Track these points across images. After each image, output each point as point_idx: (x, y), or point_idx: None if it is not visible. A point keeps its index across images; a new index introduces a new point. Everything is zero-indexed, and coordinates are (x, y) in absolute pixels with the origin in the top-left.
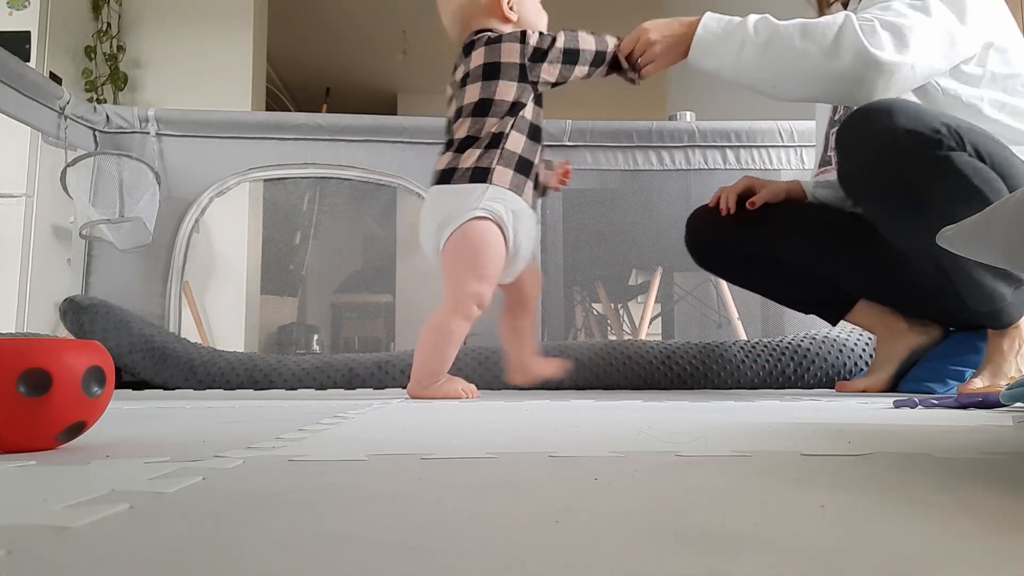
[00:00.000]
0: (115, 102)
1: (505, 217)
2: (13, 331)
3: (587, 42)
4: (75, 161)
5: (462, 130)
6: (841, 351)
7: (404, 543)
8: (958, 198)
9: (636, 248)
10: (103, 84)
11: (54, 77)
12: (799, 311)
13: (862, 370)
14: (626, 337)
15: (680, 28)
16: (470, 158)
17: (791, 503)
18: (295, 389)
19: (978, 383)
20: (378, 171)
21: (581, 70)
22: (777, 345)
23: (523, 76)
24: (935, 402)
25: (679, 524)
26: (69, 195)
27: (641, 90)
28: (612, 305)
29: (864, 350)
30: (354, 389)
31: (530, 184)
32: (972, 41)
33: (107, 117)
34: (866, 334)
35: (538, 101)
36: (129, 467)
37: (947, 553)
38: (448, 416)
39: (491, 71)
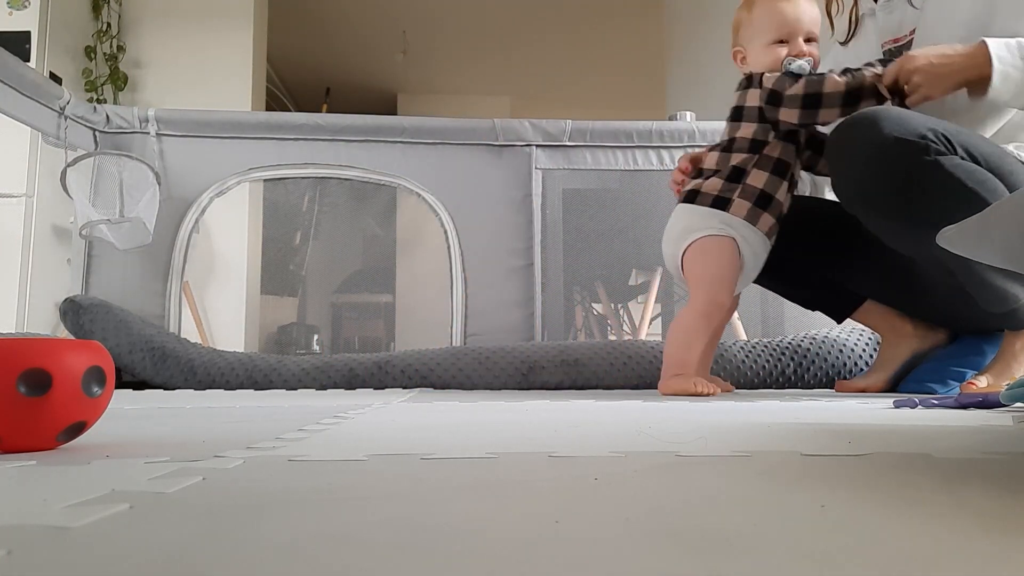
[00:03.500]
0: (115, 102)
1: (738, 237)
2: (13, 331)
3: (834, 85)
4: (75, 161)
5: (710, 161)
6: (841, 351)
7: (404, 543)
8: (953, 201)
9: (636, 248)
10: (103, 84)
11: (54, 77)
12: (805, 308)
13: (862, 370)
14: (626, 337)
15: (958, 59)
16: (714, 187)
17: (791, 503)
18: (295, 389)
19: (983, 382)
20: (378, 171)
21: (830, 113)
22: (777, 345)
23: (762, 118)
24: (935, 402)
25: (679, 524)
26: (69, 195)
27: (641, 90)
28: (612, 305)
29: (864, 350)
30: (354, 389)
31: (768, 216)
32: None
33: (107, 117)
34: (867, 333)
35: (789, 138)
36: (129, 467)
37: (947, 553)
38: (448, 416)
39: (736, 114)
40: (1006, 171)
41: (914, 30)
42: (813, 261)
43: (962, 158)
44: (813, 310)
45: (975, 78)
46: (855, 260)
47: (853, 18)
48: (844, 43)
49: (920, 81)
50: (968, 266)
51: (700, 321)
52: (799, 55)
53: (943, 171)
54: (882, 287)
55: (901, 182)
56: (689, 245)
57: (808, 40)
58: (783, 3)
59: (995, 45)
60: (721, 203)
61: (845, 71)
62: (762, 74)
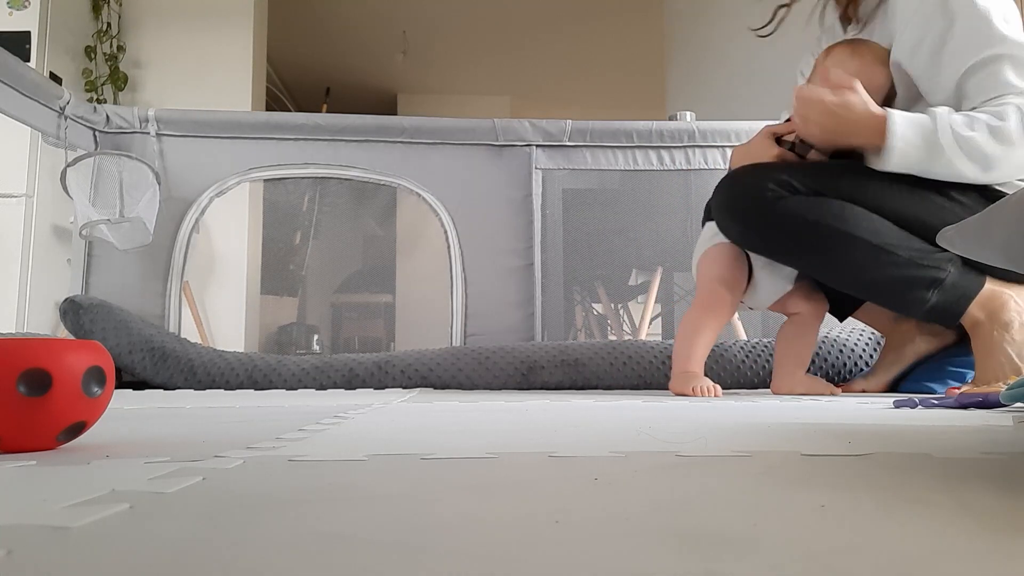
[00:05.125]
0: (115, 102)
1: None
2: (13, 331)
3: None
4: (75, 161)
5: None
6: (841, 351)
7: (404, 543)
8: (803, 232)
9: (636, 248)
10: (103, 84)
11: (54, 77)
12: None
13: (862, 370)
14: (626, 337)
15: (862, 115)
16: None
17: (791, 503)
18: (295, 389)
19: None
20: (378, 171)
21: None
22: None
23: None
24: (935, 402)
25: (679, 524)
26: (69, 195)
27: (641, 90)
28: (612, 305)
29: (864, 350)
30: (354, 389)
31: None
32: None
33: (107, 117)
34: (867, 333)
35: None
36: (129, 467)
37: (947, 553)
38: (448, 416)
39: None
40: (865, 198)
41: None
42: None
43: (806, 195)
44: None
45: (868, 143)
46: None
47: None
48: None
49: (810, 117)
50: (866, 284)
51: (701, 314)
52: None
53: (782, 211)
54: None
55: (757, 227)
56: (704, 255)
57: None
58: (854, 57)
59: (901, 123)
60: None
61: None
62: None
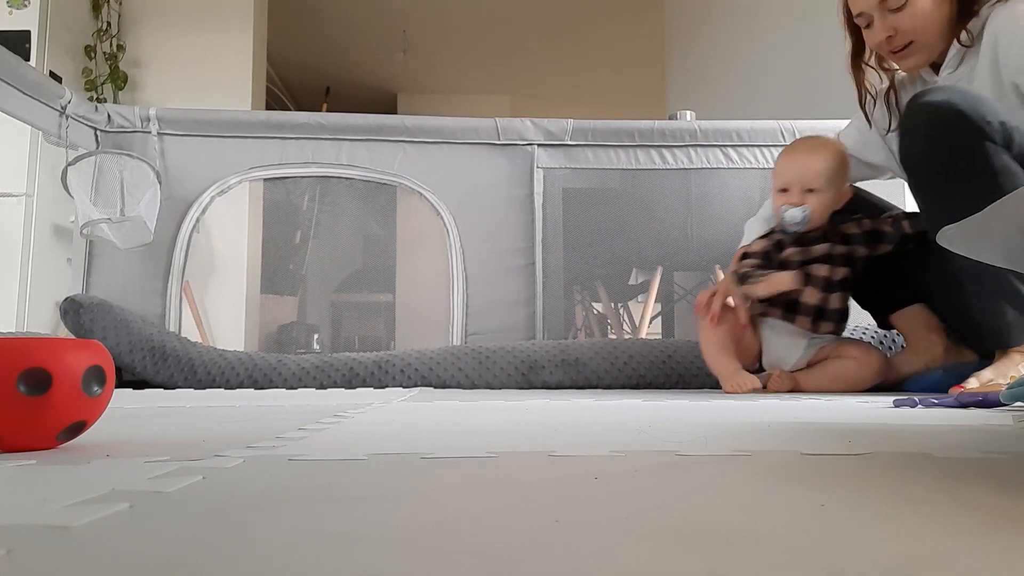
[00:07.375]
0: (115, 101)
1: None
2: (13, 331)
3: (819, 251)
4: (76, 160)
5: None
6: None
7: (404, 543)
8: (981, 191)
9: (636, 248)
10: (103, 83)
11: (54, 76)
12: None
13: None
14: (626, 337)
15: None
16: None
17: (791, 503)
18: (295, 388)
19: (973, 383)
20: (379, 170)
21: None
22: None
23: (770, 234)
24: (935, 402)
25: (679, 524)
26: (70, 194)
27: (641, 89)
28: (612, 305)
29: None
30: (354, 389)
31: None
32: None
33: (108, 116)
34: (868, 333)
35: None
36: (129, 467)
37: (947, 553)
38: (448, 416)
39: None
40: None
41: None
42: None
43: (1012, 157)
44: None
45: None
46: (925, 257)
47: (893, 107)
48: (888, 132)
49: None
50: (975, 271)
51: (711, 334)
52: (793, 204)
53: (984, 158)
54: (942, 288)
55: (950, 153)
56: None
57: (810, 191)
58: (787, 157)
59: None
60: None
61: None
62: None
